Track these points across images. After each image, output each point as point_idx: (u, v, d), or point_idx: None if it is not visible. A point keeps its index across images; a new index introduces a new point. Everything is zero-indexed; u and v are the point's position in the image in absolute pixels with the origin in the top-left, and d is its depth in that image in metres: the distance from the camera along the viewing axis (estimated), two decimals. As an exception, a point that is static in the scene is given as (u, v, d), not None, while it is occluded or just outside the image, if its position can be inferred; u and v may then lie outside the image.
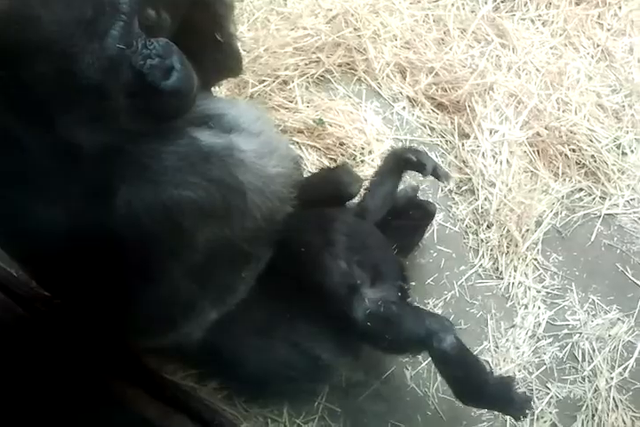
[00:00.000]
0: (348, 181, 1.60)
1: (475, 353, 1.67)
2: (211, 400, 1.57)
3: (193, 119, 1.18)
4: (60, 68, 0.94)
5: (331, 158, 1.96)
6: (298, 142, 1.94)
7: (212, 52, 1.34)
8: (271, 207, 1.23)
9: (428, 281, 1.80)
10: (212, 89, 1.47)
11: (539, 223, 1.89)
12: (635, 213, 1.95)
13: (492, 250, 1.83)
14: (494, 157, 1.95)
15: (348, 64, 2.11)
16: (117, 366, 1.41)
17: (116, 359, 1.36)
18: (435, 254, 1.84)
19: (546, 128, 2.00)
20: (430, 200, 1.86)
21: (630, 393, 1.67)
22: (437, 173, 1.64)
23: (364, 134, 1.95)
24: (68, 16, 0.94)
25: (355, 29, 2.12)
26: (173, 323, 1.25)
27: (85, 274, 1.10)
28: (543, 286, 1.79)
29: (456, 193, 1.93)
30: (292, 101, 1.99)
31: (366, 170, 1.88)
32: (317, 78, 2.07)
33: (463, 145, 1.98)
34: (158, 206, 1.06)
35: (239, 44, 2.01)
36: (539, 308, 1.75)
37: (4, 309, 1.33)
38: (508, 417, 1.59)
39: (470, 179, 1.94)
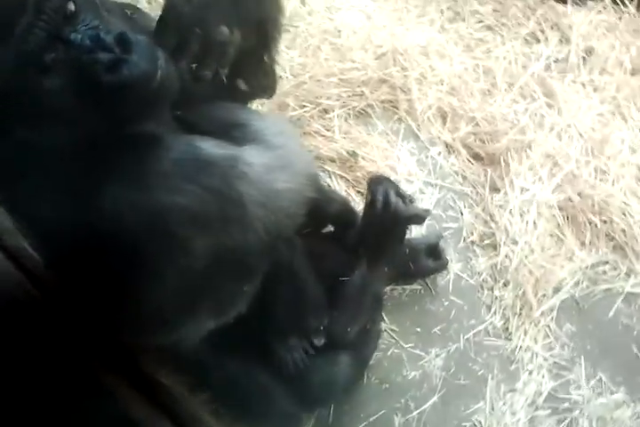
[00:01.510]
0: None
1: (468, 412, 1.63)
2: (198, 411, 1.51)
3: (210, 127, 1.20)
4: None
5: (358, 191, 1.93)
6: (328, 171, 1.92)
7: (255, 70, 1.34)
8: (276, 222, 1.20)
9: (435, 330, 1.74)
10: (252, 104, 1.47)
11: (557, 290, 1.83)
12: (659, 294, 1.88)
13: (504, 309, 1.77)
14: (521, 215, 1.91)
15: (391, 102, 2.09)
16: (112, 360, 1.36)
17: (112, 353, 1.32)
18: (446, 304, 1.79)
19: (579, 195, 1.96)
20: (451, 248, 1.81)
21: (624, 482, 1.59)
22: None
23: (394, 173, 1.92)
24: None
25: (402, 69, 2.12)
26: (169, 325, 1.24)
27: (85, 268, 1.08)
28: (551, 355, 1.72)
29: (478, 245, 1.88)
30: (329, 130, 1.98)
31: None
32: (358, 111, 2.06)
33: (492, 199, 1.94)
34: (146, 209, 1.06)
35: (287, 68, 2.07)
36: (543, 376, 1.69)
37: (16, 283, 1.29)
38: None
39: (494, 233, 1.89)
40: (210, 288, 1.22)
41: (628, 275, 1.87)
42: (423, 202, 1.92)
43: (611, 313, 1.81)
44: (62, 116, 1.02)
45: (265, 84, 1.43)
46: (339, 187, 1.90)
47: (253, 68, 1.35)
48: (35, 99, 1.00)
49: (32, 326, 1.25)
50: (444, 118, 2.11)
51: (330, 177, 1.91)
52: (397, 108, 2.09)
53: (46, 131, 1.01)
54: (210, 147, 1.17)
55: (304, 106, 1.98)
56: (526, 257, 1.85)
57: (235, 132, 1.24)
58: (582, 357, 1.74)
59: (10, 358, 1.18)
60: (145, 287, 1.13)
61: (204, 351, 1.39)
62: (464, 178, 2.00)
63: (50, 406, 1.17)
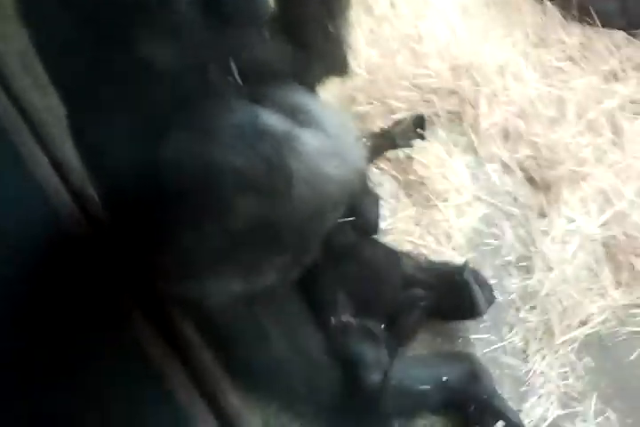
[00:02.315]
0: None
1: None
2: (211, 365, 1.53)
3: (275, 105, 1.23)
4: None
5: (407, 193, 1.97)
6: (383, 169, 1.96)
7: (323, 43, 1.36)
8: (320, 206, 1.25)
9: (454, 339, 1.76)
10: (318, 89, 1.50)
11: (583, 323, 1.81)
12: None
13: (527, 331, 1.77)
14: (563, 243, 1.91)
15: (457, 113, 2.12)
16: (142, 301, 1.43)
17: (144, 294, 1.39)
18: (471, 316, 1.79)
19: (625, 234, 1.94)
20: (487, 264, 1.83)
21: None
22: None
23: (446, 181, 1.95)
24: None
25: (474, 83, 2.15)
26: (194, 276, 1.29)
27: (134, 208, 1.17)
28: (565, 384, 1.70)
29: (514, 266, 1.88)
30: (391, 131, 2.01)
31: (434, 215, 1.87)
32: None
33: (538, 223, 1.94)
34: (200, 162, 1.12)
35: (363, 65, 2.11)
36: (552, 403, 1.67)
37: (77, 224, 1.38)
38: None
39: (531, 257, 1.90)
40: (239, 251, 1.27)
41: (657, 321, 1.85)
42: (468, 215, 1.94)
43: (633, 356, 1.79)
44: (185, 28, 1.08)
45: (336, 59, 1.43)
46: (389, 186, 1.93)
47: (321, 41, 1.36)
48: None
49: (80, 260, 1.33)
50: (506, 138, 2.13)
51: (382, 175, 1.94)
52: (462, 121, 2.12)
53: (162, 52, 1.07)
54: (270, 119, 1.22)
55: (372, 103, 2.03)
56: (559, 286, 1.85)
57: (296, 115, 1.28)
58: (595, 393, 1.72)
59: (56, 285, 1.26)
60: (181, 234, 1.20)
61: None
62: (514, 199, 2.01)
63: (77, 332, 1.24)
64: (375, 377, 1.48)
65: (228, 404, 1.37)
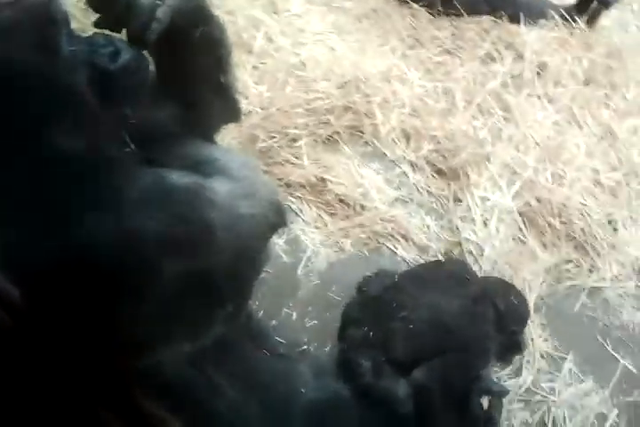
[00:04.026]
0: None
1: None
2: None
3: (180, 162, 1.29)
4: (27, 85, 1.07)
5: (331, 213, 2.07)
6: (300, 197, 2.04)
7: (214, 96, 1.42)
8: (245, 247, 1.31)
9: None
10: (216, 137, 1.58)
11: (524, 290, 1.93)
12: (621, 287, 2.00)
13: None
14: (485, 222, 2.03)
15: (356, 127, 2.23)
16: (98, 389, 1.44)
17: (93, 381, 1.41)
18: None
19: (537, 200, 2.08)
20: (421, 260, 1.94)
21: (597, 465, 1.68)
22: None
23: (363, 190, 2.05)
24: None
25: (365, 95, 2.26)
26: (144, 348, 1.29)
27: (60, 293, 1.15)
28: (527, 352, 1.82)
29: (445, 254, 1.99)
30: (298, 158, 2.11)
31: (365, 221, 2.00)
32: (326, 138, 2.19)
33: (456, 211, 2.06)
34: (118, 237, 1.14)
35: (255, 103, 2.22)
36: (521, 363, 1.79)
37: None
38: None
39: (460, 243, 2.01)
40: (182, 313, 1.28)
41: (590, 271, 1.99)
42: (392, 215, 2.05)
43: (576, 308, 1.92)
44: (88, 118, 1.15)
45: (229, 108, 1.50)
46: (311, 212, 2.02)
47: (212, 94, 1.42)
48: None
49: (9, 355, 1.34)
50: (407, 139, 2.25)
51: (302, 203, 2.04)
52: (363, 133, 2.23)
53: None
54: (175, 177, 1.26)
55: (273, 137, 2.12)
56: (493, 263, 1.97)
57: (201, 167, 1.32)
58: (552, 351, 1.84)
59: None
60: (117, 311, 1.19)
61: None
62: (429, 193, 2.13)
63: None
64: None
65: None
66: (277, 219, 1.45)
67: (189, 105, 1.35)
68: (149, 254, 1.19)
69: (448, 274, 1.74)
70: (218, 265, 1.26)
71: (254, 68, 2.36)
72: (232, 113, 1.53)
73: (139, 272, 1.19)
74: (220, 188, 1.29)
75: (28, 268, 1.13)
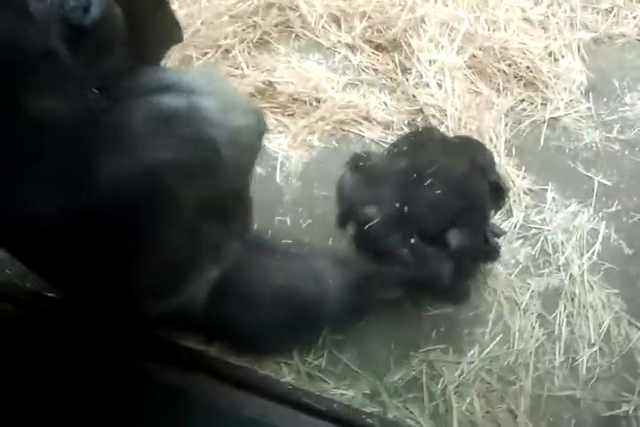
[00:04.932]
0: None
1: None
2: (223, 357, 1.62)
3: (149, 89, 1.25)
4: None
5: (289, 115, 2.07)
6: (254, 102, 2.02)
7: (154, 22, 1.39)
8: (243, 158, 1.33)
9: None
10: (162, 63, 1.54)
11: (491, 139, 2.02)
12: (575, 112, 2.10)
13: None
14: (439, 84, 2.07)
15: (284, 23, 2.19)
16: (129, 343, 1.47)
17: (126, 335, 1.45)
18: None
19: (480, 49, 2.12)
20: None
21: (602, 273, 1.84)
22: None
23: (312, 82, 2.05)
24: None
25: (285, -12, 2.20)
26: (178, 284, 1.33)
27: (83, 254, 1.16)
28: (512, 193, 1.92)
29: (409, 125, 2.05)
30: (237, 68, 2.08)
31: (324, 113, 2.02)
32: (257, 42, 2.16)
33: (407, 80, 2.09)
34: (141, 172, 1.12)
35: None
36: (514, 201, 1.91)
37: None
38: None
39: (421, 110, 2.06)
40: (208, 235, 1.32)
41: (544, 104, 2.08)
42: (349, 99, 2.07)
43: (541, 141, 2.03)
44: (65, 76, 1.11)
45: (170, 30, 1.48)
46: (267, 118, 2.01)
47: (152, 20, 1.39)
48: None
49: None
50: (337, 22, 2.22)
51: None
52: (292, 27, 2.19)
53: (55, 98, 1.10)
54: (165, 101, 1.21)
55: (206, 53, 2.07)
56: (455, 122, 2.03)
57: (170, 91, 1.26)
58: (532, 185, 1.96)
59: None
60: (150, 252, 1.21)
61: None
62: (375, 70, 2.14)
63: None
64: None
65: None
66: (262, 125, 1.45)
67: (133, 32, 1.31)
68: (170, 184, 1.18)
69: (428, 140, 1.79)
70: (226, 182, 1.28)
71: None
72: (174, 34, 1.49)
73: (163, 205, 1.19)
74: (206, 104, 1.26)
75: (55, 219, 1.11)
